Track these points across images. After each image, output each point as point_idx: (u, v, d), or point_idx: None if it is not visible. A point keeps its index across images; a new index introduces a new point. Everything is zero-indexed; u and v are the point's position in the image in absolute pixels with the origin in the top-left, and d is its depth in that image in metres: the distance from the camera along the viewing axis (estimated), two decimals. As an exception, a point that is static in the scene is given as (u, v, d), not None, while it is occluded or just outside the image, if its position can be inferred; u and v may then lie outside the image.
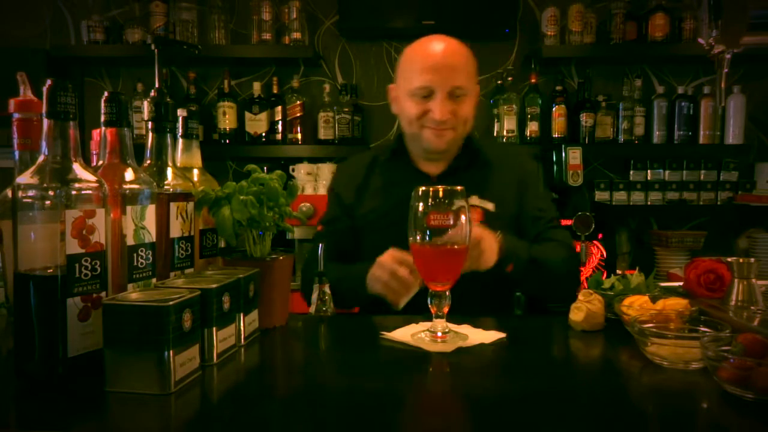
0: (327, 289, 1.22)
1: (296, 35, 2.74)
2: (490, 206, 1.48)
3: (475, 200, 1.47)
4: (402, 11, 2.76)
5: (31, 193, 0.76)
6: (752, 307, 1.01)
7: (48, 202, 0.75)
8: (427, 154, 1.54)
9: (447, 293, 0.99)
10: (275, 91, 2.84)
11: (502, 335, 1.01)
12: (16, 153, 1.00)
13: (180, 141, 1.14)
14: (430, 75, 1.44)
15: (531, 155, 1.79)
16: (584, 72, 2.85)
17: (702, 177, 2.81)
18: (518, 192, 1.55)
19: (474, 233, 1.24)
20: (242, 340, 0.95)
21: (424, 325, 1.04)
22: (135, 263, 0.88)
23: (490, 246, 1.29)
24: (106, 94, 0.88)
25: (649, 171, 2.83)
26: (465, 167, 1.55)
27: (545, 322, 1.22)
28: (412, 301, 1.35)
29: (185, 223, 1.02)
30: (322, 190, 2.67)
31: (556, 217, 1.61)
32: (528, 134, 2.78)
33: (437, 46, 1.48)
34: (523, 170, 1.60)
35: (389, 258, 1.27)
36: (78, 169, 0.78)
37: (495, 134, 2.79)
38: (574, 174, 2.50)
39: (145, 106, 1.02)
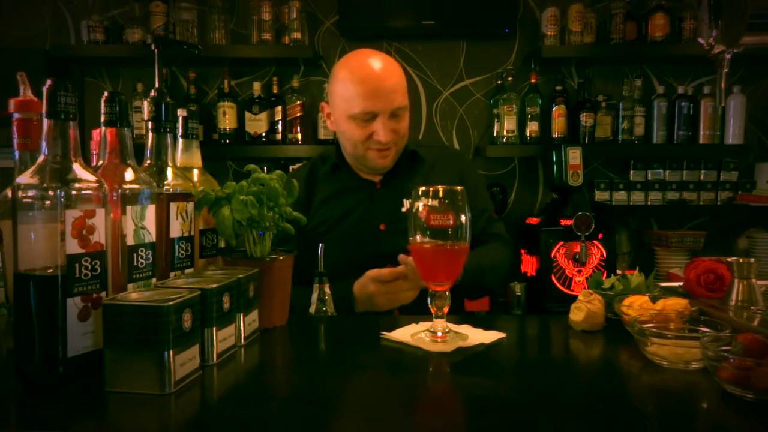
0: (327, 289, 1.22)
1: (296, 35, 2.74)
2: (435, 203, 1.52)
3: (422, 199, 1.51)
4: (402, 11, 2.76)
5: (31, 193, 0.76)
6: (752, 307, 1.01)
7: (48, 202, 0.75)
8: (371, 170, 1.59)
9: (447, 293, 0.99)
10: (275, 91, 2.84)
11: (502, 335, 1.01)
12: (16, 153, 1.00)
13: (180, 141, 1.14)
14: (372, 101, 1.46)
15: (465, 153, 1.85)
16: (584, 72, 2.85)
17: (702, 177, 2.81)
18: (456, 185, 1.61)
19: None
20: (242, 340, 0.95)
21: (424, 325, 1.04)
22: (135, 263, 0.88)
23: None
24: (106, 94, 0.88)
25: (649, 171, 2.83)
26: (405, 170, 1.60)
27: (545, 322, 1.22)
28: (413, 302, 1.36)
29: (185, 223, 1.02)
30: (322, 190, 2.67)
31: (493, 210, 1.72)
32: (528, 134, 2.78)
33: (375, 69, 1.49)
34: (459, 166, 1.67)
35: (372, 283, 1.34)
36: (78, 169, 0.78)
37: (495, 134, 2.79)
38: (574, 174, 2.50)
39: (145, 106, 1.02)
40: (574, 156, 2.51)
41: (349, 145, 1.55)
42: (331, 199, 1.61)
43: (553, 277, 2.39)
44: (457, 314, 1.30)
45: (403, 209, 1.54)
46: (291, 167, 2.72)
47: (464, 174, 1.65)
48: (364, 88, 1.46)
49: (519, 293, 2.58)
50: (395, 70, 1.52)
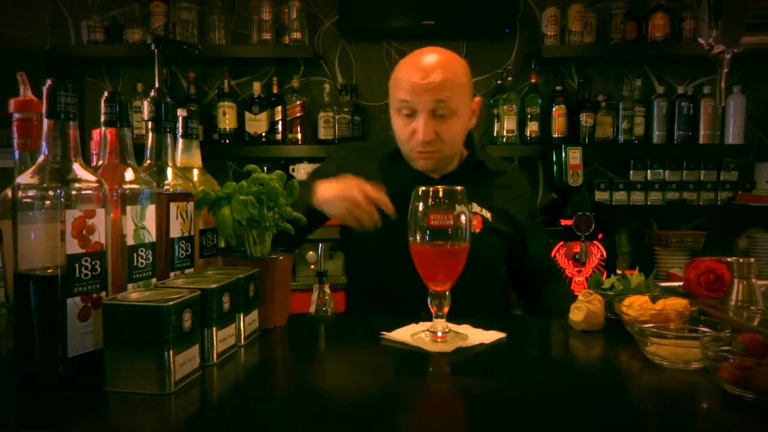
0: (327, 290, 1.22)
1: (296, 35, 2.74)
2: (488, 215, 1.48)
3: (475, 207, 1.47)
4: (402, 11, 2.76)
5: (31, 193, 0.76)
6: (752, 307, 1.00)
7: (48, 202, 0.75)
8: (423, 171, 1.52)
9: (447, 293, 0.99)
10: (275, 91, 2.84)
11: (502, 335, 1.01)
12: (16, 153, 1.00)
13: (180, 141, 1.14)
14: (411, 92, 1.41)
15: (526, 176, 1.81)
16: (584, 72, 2.85)
17: (702, 177, 2.82)
18: (514, 209, 1.55)
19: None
20: (242, 340, 0.95)
21: (424, 325, 1.04)
22: (135, 263, 0.88)
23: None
24: (106, 94, 0.88)
25: (649, 171, 2.83)
26: (468, 175, 1.53)
27: (545, 322, 1.22)
28: (413, 301, 1.34)
29: (185, 223, 1.02)
30: (322, 190, 2.67)
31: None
32: (528, 134, 2.78)
33: (426, 61, 1.43)
34: (521, 189, 1.63)
35: (355, 187, 1.27)
36: (78, 169, 0.78)
37: (495, 134, 2.79)
38: (574, 174, 2.50)
39: (145, 106, 1.02)
40: (574, 156, 2.51)
41: (398, 142, 1.50)
42: (386, 185, 1.48)
43: (553, 277, 2.38)
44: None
45: None
46: (292, 167, 2.73)
47: (524, 199, 1.62)
48: (407, 78, 1.42)
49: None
50: (449, 68, 1.41)
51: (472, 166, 1.55)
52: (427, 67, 1.41)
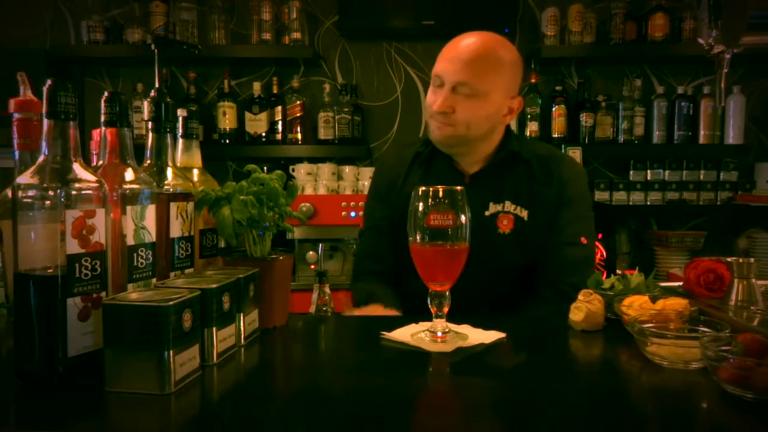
0: (327, 290, 1.22)
1: (296, 35, 2.75)
2: (524, 213, 1.41)
3: (508, 206, 1.41)
4: (402, 11, 2.76)
5: (31, 193, 0.76)
6: (752, 307, 1.00)
7: (48, 202, 0.75)
8: (442, 146, 1.45)
9: (447, 293, 0.99)
10: (275, 91, 2.85)
11: (502, 335, 1.01)
12: (16, 153, 1.00)
13: (180, 141, 1.14)
14: (441, 63, 1.41)
15: (579, 170, 1.56)
16: (584, 72, 2.85)
17: (702, 177, 2.82)
18: (556, 206, 1.45)
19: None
20: (242, 340, 0.95)
21: (424, 325, 1.04)
22: (135, 263, 0.88)
23: None
24: (106, 94, 0.88)
25: (649, 171, 2.83)
26: (501, 170, 1.46)
27: (545, 322, 1.22)
28: (413, 302, 1.34)
29: (185, 223, 1.02)
30: (322, 190, 2.68)
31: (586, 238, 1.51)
32: (528, 134, 2.78)
33: (464, 39, 1.41)
34: (563, 177, 1.46)
35: None
36: (78, 169, 0.78)
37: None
38: (574, 174, 2.49)
39: (145, 106, 1.02)
40: (574, 156, 2.51)
41: (425, 114, 1.52)
42: (421, 182, 1.38)
43: (553, 277, 2.38)
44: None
45: (486, 213, 1.41)
46: (292, 167, 2.72)
47: (566, 187, 1.46)
48: (444, 52, 1.42)
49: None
50: (486, 50, 1.38)
51: (501, 160, 1.45)
52: (463, 46, 1.40)
